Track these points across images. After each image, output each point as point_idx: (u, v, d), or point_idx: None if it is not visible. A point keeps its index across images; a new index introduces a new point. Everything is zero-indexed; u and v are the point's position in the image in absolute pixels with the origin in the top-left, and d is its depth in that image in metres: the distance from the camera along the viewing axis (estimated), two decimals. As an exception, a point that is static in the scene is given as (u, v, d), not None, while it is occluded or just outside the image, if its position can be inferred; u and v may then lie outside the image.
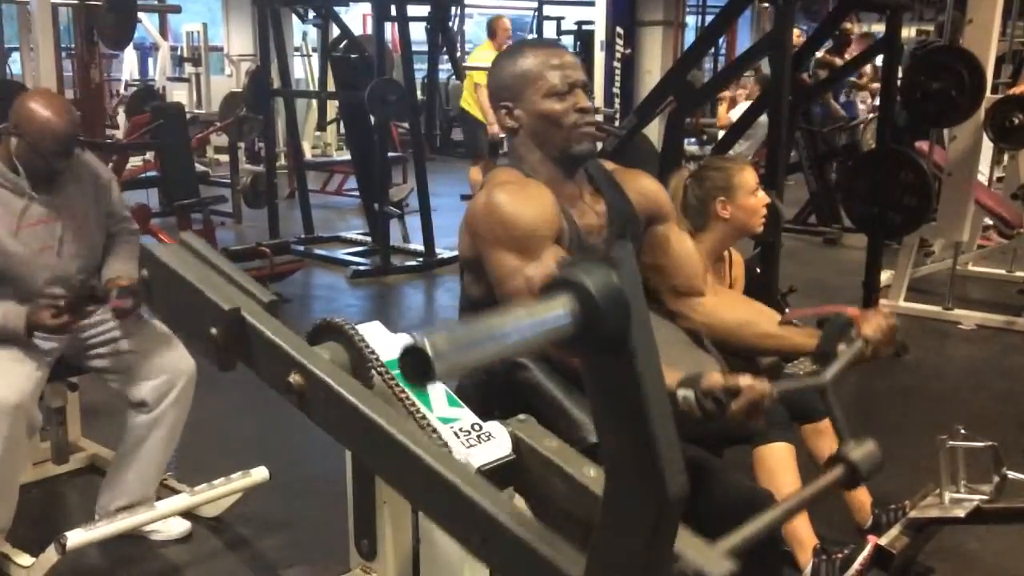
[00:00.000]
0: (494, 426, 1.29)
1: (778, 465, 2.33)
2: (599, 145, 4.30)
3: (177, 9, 8.58)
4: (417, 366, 0.68)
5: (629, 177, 1.99)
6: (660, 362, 0.76)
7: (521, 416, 1.25)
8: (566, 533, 0.89)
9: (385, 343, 1.41)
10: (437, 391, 1.35)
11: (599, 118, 7.09)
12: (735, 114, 7.68)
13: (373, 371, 1.29)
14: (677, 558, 0.86)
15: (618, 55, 10.14)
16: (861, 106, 9.51)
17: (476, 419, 1.32)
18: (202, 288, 1.07)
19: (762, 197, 2.54)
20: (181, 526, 2.77)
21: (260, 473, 2.72)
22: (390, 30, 8.09)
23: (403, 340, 0.70)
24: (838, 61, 7.58)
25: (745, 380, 1.50)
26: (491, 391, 1.78)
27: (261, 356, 1.06)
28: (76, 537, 2.33)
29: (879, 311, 1.77)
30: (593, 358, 0.75)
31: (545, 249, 1.70)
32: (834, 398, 1.46)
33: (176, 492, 2.76)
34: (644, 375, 0.73)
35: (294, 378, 1.16)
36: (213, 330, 1.05)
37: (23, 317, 2.45)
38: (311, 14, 7.21)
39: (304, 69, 11.43)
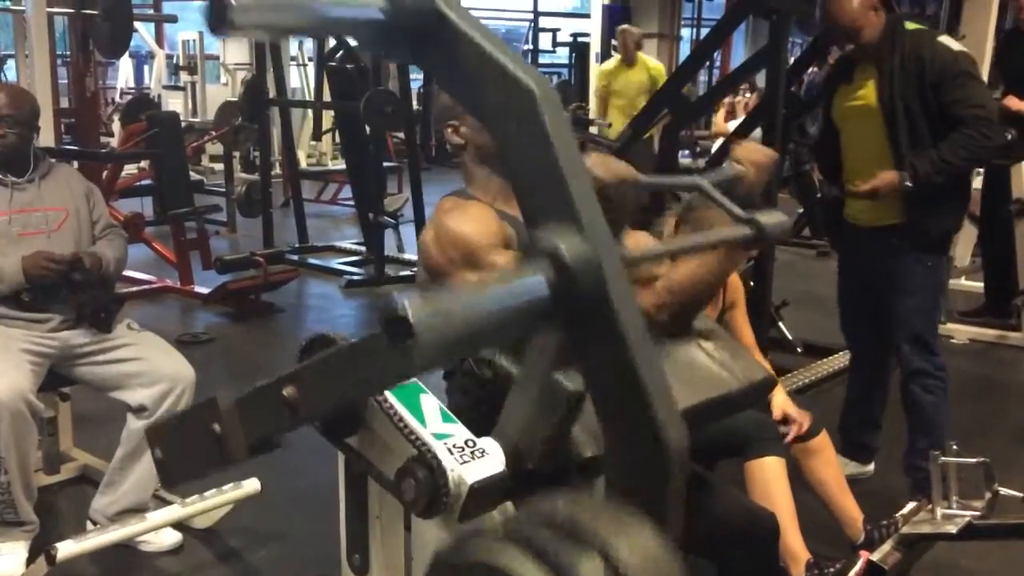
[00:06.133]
0: (488, 442, 1.28)
1: (771, 479, 2.34)
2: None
3: (173, 19, 8.61)
4: (398, 333, 0.69)
5: None
6: (641, 319, 0.76)
7: None
8: None
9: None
10: (431, 407, 1.35)
11: (593, 131, 7.10)
12: (733, 126, 7.69)
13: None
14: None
15: (613, 67, 10.17)
16: None
17: (470, 435, 1.32)
18: (195, 407, 1.19)
19: None
20: (172, 537, 2.77)
21: (252, 485, 2.72)
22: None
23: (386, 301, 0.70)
24: None
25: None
26: (485, 407, 1.78)
27: (256, 407, 1.12)
28: (66, 548, 2.32)
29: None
30: (576, 327, 0.76)
31: (493, 254, 1.75)
32: (715, 191, 1.44)
33: (167, 503, 2.75)
34: (627, 330, 0.74)
35: (287, 391, 1.16)
36: (215, 426, 1.14)
37: (19, 262, 2.57)
38: (307, 24, 7.20)
39: (300, 79, 11.44)
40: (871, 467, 3.34)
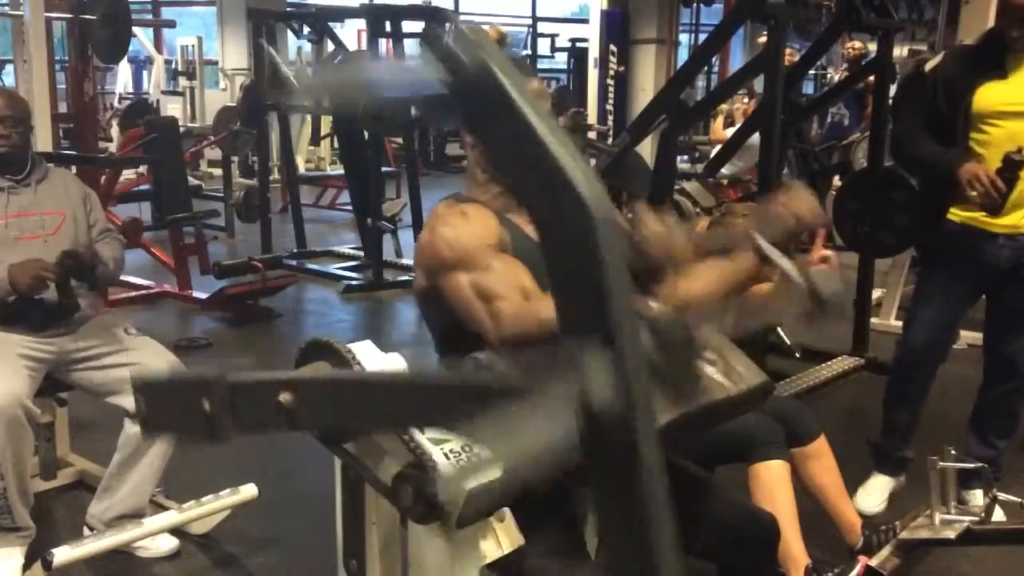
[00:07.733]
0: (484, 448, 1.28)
1: (775, 482, 2.33)
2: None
3: (172, 24, 8.62)
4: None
5: None
6: (664, 474, 0.75)
7: None
8: None
9: (376, 362, 1.40)
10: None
11: (591, 135, 7.11)
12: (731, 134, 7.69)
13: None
14: None
15: (611, 73, 10.19)
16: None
17: (467, 440, 1.32)
18: (186, 376, 1.11)
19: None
20: (169, 543, 2.76)
21: (249, 490, 2.71)
22: (384, 46, 8.12)
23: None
24: None
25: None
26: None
27: (249, 400, 1.07)
28: (63, 554, 2.31)
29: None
30: (599, 467, 0.75)
31: (489, 256, 1.75)
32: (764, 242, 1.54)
33: (165, 509, 2.75)
34: (649, 489, 0.72)
35: (283, 397, 1.15)
36: (205, 403, 1.06)
37: (4, 269, 2.54)
38: (306, 29, 7.23)
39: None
40: (903, 477, 3.19)
